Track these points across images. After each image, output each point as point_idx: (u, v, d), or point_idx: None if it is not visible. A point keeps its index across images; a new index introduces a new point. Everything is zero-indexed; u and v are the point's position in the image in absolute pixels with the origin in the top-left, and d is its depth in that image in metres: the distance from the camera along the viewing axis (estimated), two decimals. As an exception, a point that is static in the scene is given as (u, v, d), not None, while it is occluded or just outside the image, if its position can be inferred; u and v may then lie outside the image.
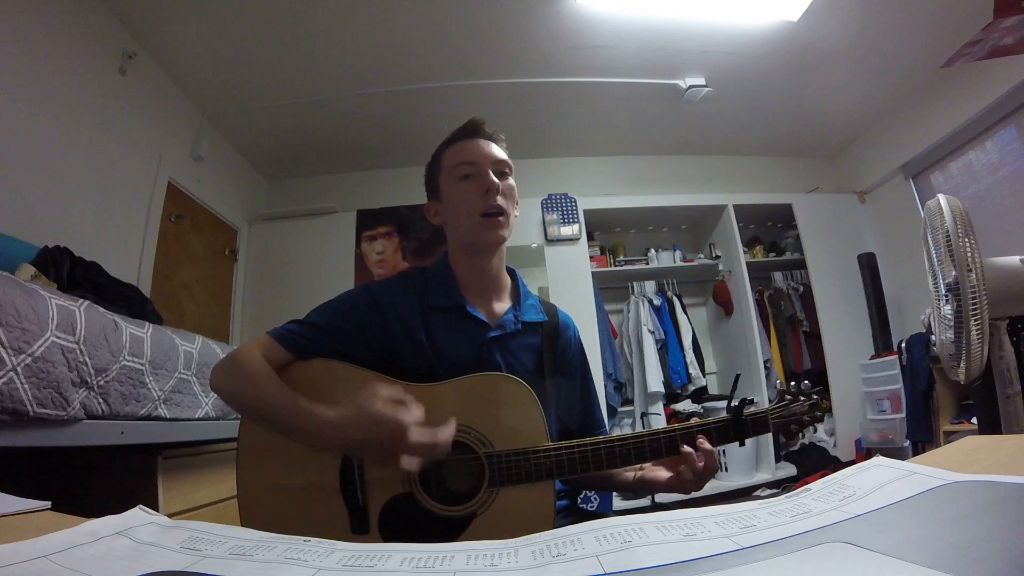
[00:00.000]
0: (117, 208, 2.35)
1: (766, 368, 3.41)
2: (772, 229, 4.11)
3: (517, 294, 0.94)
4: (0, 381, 0.88)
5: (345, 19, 2.51)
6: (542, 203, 3.52)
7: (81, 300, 1.12)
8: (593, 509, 1.06)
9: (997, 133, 3.02)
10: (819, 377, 3.49)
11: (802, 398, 0.82)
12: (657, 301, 3.57)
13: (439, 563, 0.31)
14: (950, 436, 2.66)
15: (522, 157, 3.77)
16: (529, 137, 3.67)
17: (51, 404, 0.97)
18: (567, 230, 3.48)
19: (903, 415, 2.98)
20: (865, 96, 3.42)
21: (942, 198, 1.21)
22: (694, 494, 0.77)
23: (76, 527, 0.34)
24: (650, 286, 3.68)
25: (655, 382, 3.30)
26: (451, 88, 3.02)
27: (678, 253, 3.78)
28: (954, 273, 1.15)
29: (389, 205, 3.53)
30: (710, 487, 3.36)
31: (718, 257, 3.74)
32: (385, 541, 0.72)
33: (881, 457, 0.42)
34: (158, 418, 1.27)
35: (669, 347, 3.45)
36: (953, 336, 1.19)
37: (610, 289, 3.76)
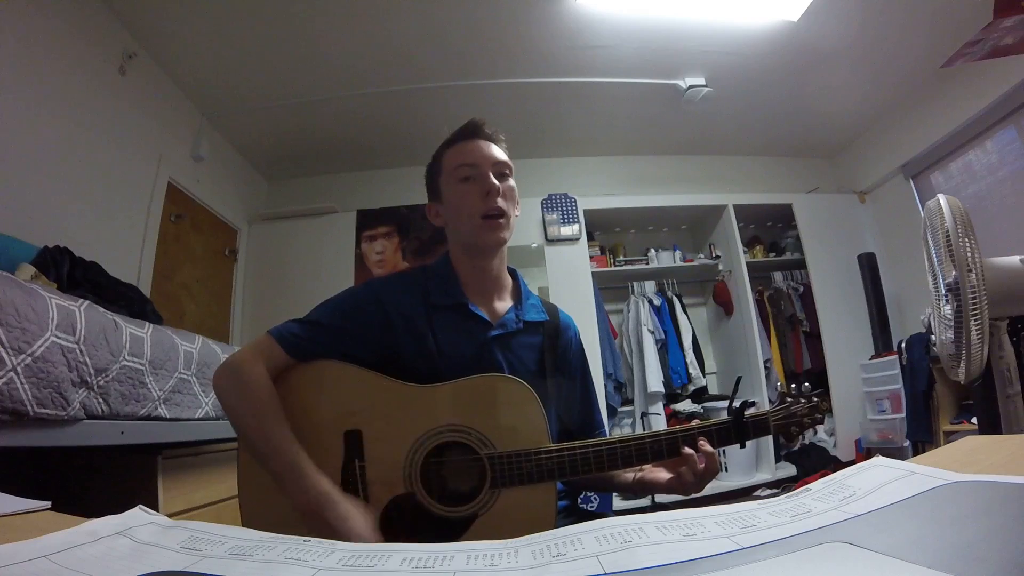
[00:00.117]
0: (117, 208, 2.35)
1: (766, 368, 3.41)
2: (772, 229, 4.11)
3: (518, 294, 0.94)
4: (0, 381, 0.88)
5: (345, 19, 2.51)
6: (542, 203, 3.52)
7: (81, 300, 1.12)
8: (593, 509, 1.06)
9: (997, 133, 3.02)
10: (819, 377, 3.49)
11: (802, 400, 0.82)
12: (657, 301, 3.57)
13: (439, 563, 0.31)
14: (950, 436, 2.66)
15: (522, 157, 3.78)
16: (529, 137, 3.67)
17: (51, 404, 0.97)
18: (567, 230, 3.48)
19: (903, 415, 2.98)
20: (865, 96, 3.42)
21: (942, 198, 1.21)
22: (694, 495, 0.77)
23: (76, 527, 0.34)
24: (650, 286, 3.68)
25: (655, 382, 3.30)
26: (451, 88, 3.02)
27: (678, 253, 3.78)
28: (954, 273, 1.15)
29: (389, 205, 3.54)
30: (710, 487, 3.36)
31: (718, 257, 3.74)
32: (386, 541, 0.72)
33: (881, 457, 0.42)
34: (158, 418, 1.27)
35: (669, 347, 3.45)
36: (953, 336, 1.19)
37: (610, 289, 3.76)
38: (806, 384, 0.85)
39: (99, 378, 1.09)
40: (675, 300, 3.64)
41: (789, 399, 0.82)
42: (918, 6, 2.58)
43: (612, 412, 3.34)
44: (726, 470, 3.23)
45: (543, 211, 3.50)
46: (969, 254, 1.13)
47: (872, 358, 3.35)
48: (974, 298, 1.12)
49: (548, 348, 0.91)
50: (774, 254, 3.91)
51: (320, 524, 0.68)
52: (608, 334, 3.46)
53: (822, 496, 0.36)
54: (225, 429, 1.47)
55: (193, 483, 1.39)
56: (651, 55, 2.92)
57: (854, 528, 0.30)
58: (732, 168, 4.13)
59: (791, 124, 3.76)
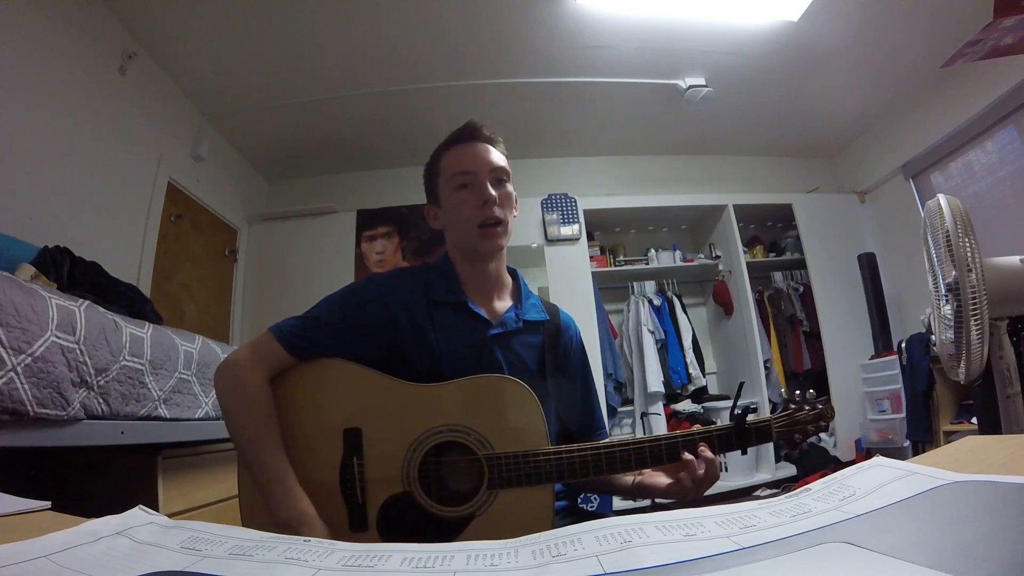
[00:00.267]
0: (117, 208, 2.35)
1: (766, 368, 3.41)
2: (772, 229, 4.11)
3: (518, 294, 0.94)
4: (0, 381, 0.88)
5: (345, 19, 2.51)
6: (542, 203, 3.52)
7: (81, 300, 1.12)
8: (593, 509, 1.07)
9: (997, 133, 3.02)
10: (819, 377, 3.49)
11: (807, 407, 0.81)
12: (657, 301, 3.57)
13: (439, 563, 0.31)
14: (950, 436, 2.66)
15: (522, 157, 3.79)
16: (529, 137, 3.67)
17: (51, 404, 0.97)
18: (567, 230, 3.48)
19: (903, 415, 2.98)
20: (865, 96, 3.42)
21: (942, 198, 1.21)
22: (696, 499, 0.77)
23: (76, 527, 0.34)
24: (650, 286, 3.68)
25: (655, 382, 3.30)
26: (451, 88, 3.02)
27: (678, 253, 3.78)
28: (954, 273, 1.15)
29: (389, 205, 3.54)
30: (711, 486, 3.37)
31: (718, 257, 3.74)
32: (383, 539, 0.72)
33: (881, 457, 0.42)
34: (158, 418, 1.27)
35: (669, 347, 3.45)
36: (953, 336, 1.19)
37: (610, 289, 3.76)
38: (811, 391, 0.83)
39: (99, 378, 1.09)
40: (675, 300, 3.64)
41: (793, 405, 0.81)
42: (918, 6, 2.58)
43: (612, 412, 3.34)
44: (726, 470, 3.22)
45: (543, 211, 3.50)
46: (969, 254, 1.13)
47: (872, 358, 3.35)
48: (974, 298, 1.12)
49: (548, 348, 0.91)
50: (774, 254, 3.91)
51: (280, 524, 0.70)
52: (608, 334, 3.46)
53: (822, 496, 0.36)
54: (225, 429, 1.47)
55: (193, 483, 1.39)
56: (651, 55, 2.92)
57: (854, 528, 0.30)
58: (732, 168, 4.13)
59: (791, 124, 3.76)
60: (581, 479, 0.73)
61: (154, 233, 2.59)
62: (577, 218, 3.51)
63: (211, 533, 0.35)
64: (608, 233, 3.98)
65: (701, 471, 0.73)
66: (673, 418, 3.33)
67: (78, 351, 1.04)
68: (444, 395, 0.76)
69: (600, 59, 2.92)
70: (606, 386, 3.27)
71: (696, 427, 0.80)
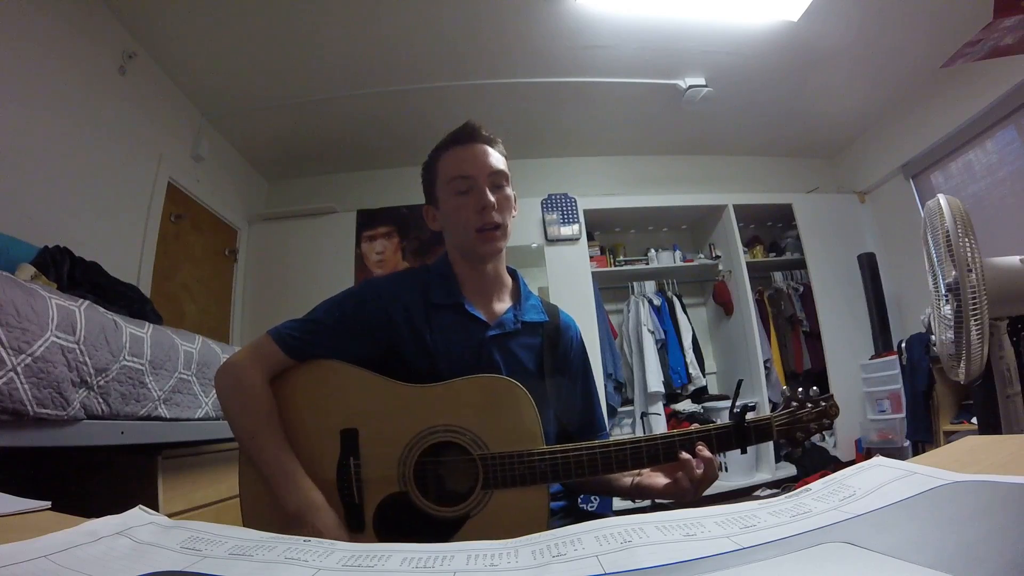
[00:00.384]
0: (117, 208, 2.35)
1: (766, 368, 3.41)
2: (772, 229, 4.11)
3: (518, 294, 0.94)
4: (0, 381, 0.88)
5: (345, 19, 2.51)
6: (542, 203, 3.52)
7: (81, 300, 1.12)
8: (593, 509, 1.06)
9: (997, 133, 3.02)
10: (819, 377, 3.49)
11: (809, 404, 0.79)
12: (657, 301, 3.57)
13: (439, 563, 0.31)
14: (950, 436, 2.66)
15: (522, 157, 3.79)
16: (529, 137, 3.67)
17: (51, 404, 0.97)
18: (567, 230, 3.48)
19: (903, 415, 2.98)
20: (865, 96, 3.42)
21: (942, 198, 1.21)
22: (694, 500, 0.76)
23: (76, 527, 0.34)
24: (650, 286, 3.68)
25: (655, 382, 3.30)
26: (451, 88, 3.02)
27: (678, 253, 3.78)
28: (954, 273, 1.15)
29: (389, 205, 3.54)
30: (710, 487, 3.37)
31: (718, 257, 3.74)
32: (379, 539, 0.73)
33: (881, 457, 0.42)
34: (158, 418, 1.27)
35: (669, 347, 3.45)
36: (953, 336, 1.19)
37: (610, 289, 3.76)
38: (814, 388, 0.82)
39: (99, 378, 1.09)
40: (675, 300, 3.64)
41: (794, 403, 0.79)
42: (918, 6, 2.58)
43: (612, 412, 3.34)
44: (726, 470, 3.22)
45: (543, 211, 3.50)
46: (969, 254, 1.13)
47: (872, 358, 3.35)
48: (974, 298, 1.12)
49: (547, 349, 0.91)
50: (774, 254, 3.91)
51: (306, 531, 0.70)
52: (608, 334, 3.46)
53: (822, 496, 0.36)
54: (225, 429, 1.46)
55: (193, 483, 1.39)
56: (651, 55, 2.92)
57: (854, 528, 0.30)
58: (732, 168, 4.13)
59: (791, 124, 3.76)
60: (576, 479, 0.73)
61: (154, 233, 2.59)
62: (577, 218, 3.51)
63: (211, 533, 0.35)
64: (608, 233, 3.98)
65: (699, 471, 0.72)
66: (673, 418, 3.33)
67: (78, 351, 1.04)
68: (439, 395, 0.76)
69: (600, 59, 2.92)
70: (606, 386, 3.27)
71: (694, 426, 0.79)
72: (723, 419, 0.81)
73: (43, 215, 1.92)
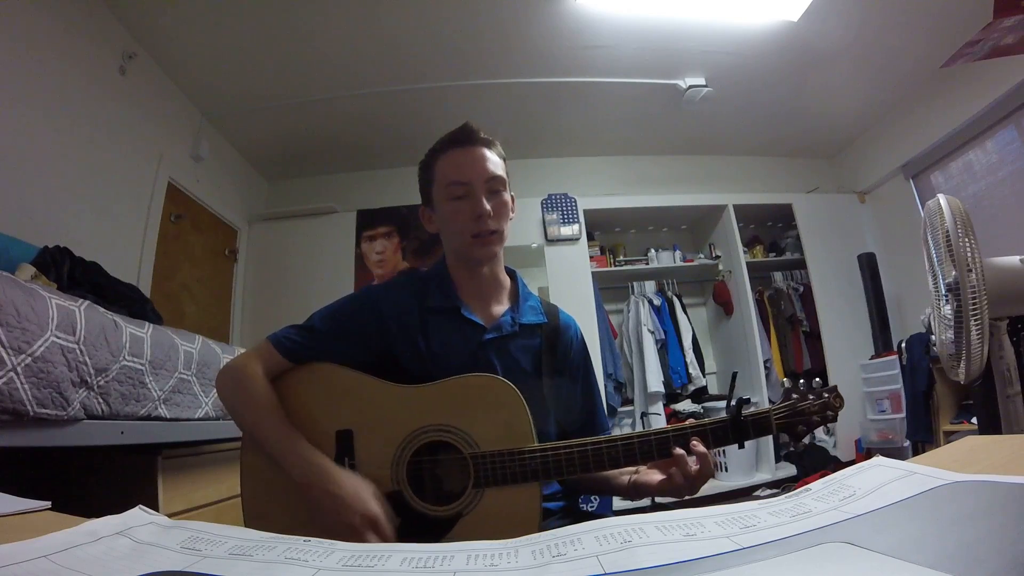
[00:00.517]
0: (117, 208, 2.35)
1: (766, 368, 3.41)
2: (772, 229, 4.11)
3: (516, 296, 0.94)
4: (0, 381, 0.88)
5: (345, 19, 2.51)
6: (542, 203, 3.52)
7: (81, 300, 1.12)
8: (592, 510, 1.06)
9: (997, 133, 3.02)
10: (819, 377, 3.49)
11: (811, 396, 0.76)
12: (657, 301, 3.57)
13: (439, 563, 0.31)
14: (950, 436, 2.66)
15: (522, 157, 3.79)
16: (529, 137, 3.67)
17: (51, 404, 0.97)
18: (567, 230, 3.48)
19: (903, 415, 2.98)
20: (865, 96, 3.42)
21: (942, 198, 1.21)
22: (689, 497, 0.75)
23: (76, 527, 0.34)
24: (650, 286, 3.68)
25: (655, 382, 3.30)
26: (451, 88, 3.02)
27: (678, 253, 3.78)
28: (954, 273, 1.15)
29: (389, 205, 3.54)
30: (710, 487, 3.35)
31: (718, 257, 3.74)
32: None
33: (881, 457, 0.42)
34: (158, 418, 1.27)
35: (669, 347, 3.45)
36: (953, 336, 1.19)
37: (610, 289, 3.76)
38: (817, 380, 0.78)
39: (99, 378, 1.09)
40: (675, 300, 3.64)
41: (795, 396, 0.77)
42: (918, 6, 2.58)
43: (612, 412, 3.34)
44: (726, 470, 3.23)
45: (543, 211, 3.50)
46: (969, 254, 1.13)
47: (872, 358, 3.35)
48: (974, 298, 1.12)
49: (546, 350, 0.90)
50: (774, 254, 3.91)
51: (321, 496, 0.70)
52: (608, 334, 3.47)
53: (822, 496, 0.36)
54: (225, 429, 1.48)
55: (193, 483, 1.39)
56: (651, 55, 2.92)
57: (854, 528, 0.30)
58: (732, 168, 4.13)
59: (791, 124, 3.76)
60: (568, 476, 0.72)
61: (154, 233, 2.59)
62: (577, 218, 3.51)
63: (211, 533, 0.35)
64: (608, 233, 3.98)
65: (695, 467, 0.71)
66: (673, 418, 3.33)
67: (78, 351, 1.04)
68: (431, 395, 0.77)
69: (600, 59, 2.92)
70: (606, 386, 3.27)
71: (689, 421, 0.78)
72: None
73: (43, 215, 1.92)
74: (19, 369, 0.91)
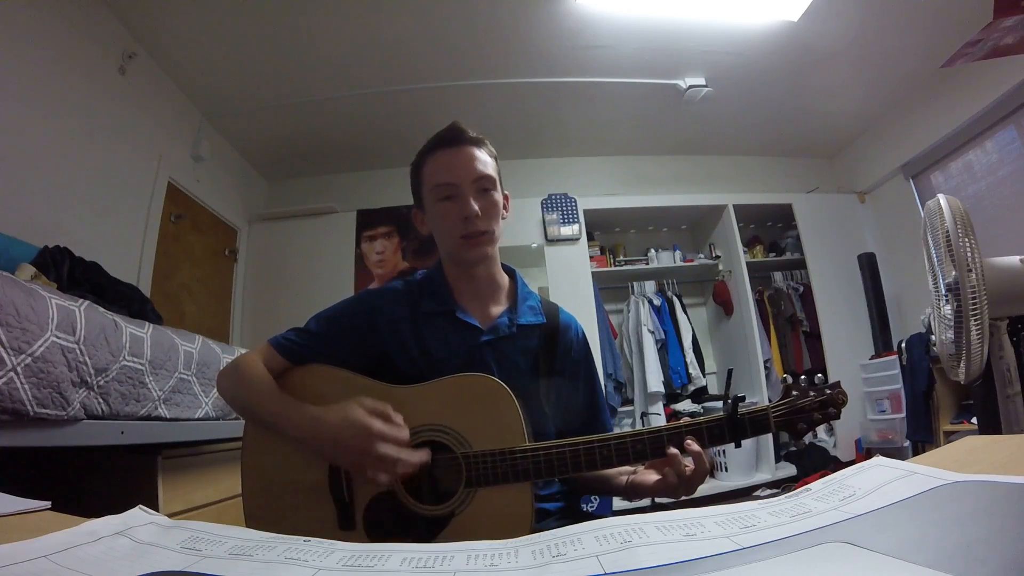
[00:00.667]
0: (117, 208, 2.35)
1: (766, 368, 3.41)
2: (772, 229, 4.11)
3: (515, 295, 0.93)
4: (0, 381, 0.88)
5: (345, 19, 2.51)
6: (542, 203, 3.52)
7: (81, 300, 1.12)
8: (592, 510, 1.06)
9: (997, 133, 3.02)
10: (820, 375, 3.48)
11: (812, 393, 0.73)
12: (657, 301, 3.58)
13: (439, 563, 0.31)
14: (950, 436, 2.66)
15: (522, 157, 3.79)
16: (529, 137, 3.67)
17: (51, 404, 0.97)
18: (567, 230, 3.48)
19: (903, 415, 2.98)
20: (865, 96, 3.42)
21: (942, 198, 1.21)
22: (686, 498, 0.74)
23: (76, 527, 0.34)
24: (650, 286, 3.68)
25: (655, 382, 3.30)
26: (451, 88, 3.02)
27: (678, 253, 3.78)
28: (954, 273, 1.15)
29: (389, 205, 3.53)
30: (710, 487, 3.34)
31: (718, 257, 3.74)
32: (370, 538, 0.74)
33: (881, 457, 0.42)
34: (158, 418, 1.27)
35: (669, 347, 3.45)
36: (953, 336, 1.19)
37: (610, 289, 3.76)
38: (819, 375, 0.76)
39: (99, 378, 1.09)
40: (675, 300, 3.64)
41: (795, 392, 0.74)
42: (918, 6, 2.58)
43: (612, 412, 3.34)
44: (726, 470, 3.23)
45: (543, 211, 3.50)
46: (969, 254, 1.13)
47: (872, 358, 3.35)
48: (974, 298, 1.12)
49: (545, 351, 0.90)
50: (774, 254, 3.91)
51: (322, 445, 0.73)
52: (608, 334, 3.47)
53: (822, 496, 0.36)
54: (225, 429, 1.48)
55: (193, 483, 1.39)
56: (651, 55, 2.92)
57: (854, 528, 0.30)
58: (732, 168, 4.13)
59: (791, 124, 3.76)
60: (559, 476, 0.72)
61: (154, 233, 2.59)
62: (577, 218, 3.51)
63: (211, 533, 0.35)
64: (608, 233, 3.98)
65: (690, 466, 0.70)
66: (673, 418, 3.33)
67: (78, 351, 1.04)
68: (423, 395, 0.77)
69: (600, 59, 2.92)
70: (606, 386, 3.27)
71: (684, 420, 0.77)
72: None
73: (43, 215, 1.92)
74: (19, 369, 0.91)
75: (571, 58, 2.90)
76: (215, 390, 1.43)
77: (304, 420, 0.74)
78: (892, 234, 3.70)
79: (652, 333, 3.44)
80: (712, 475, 3.30)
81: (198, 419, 1.41)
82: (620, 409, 3.42)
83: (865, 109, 3.58)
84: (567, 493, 0.92)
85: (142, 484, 1.25)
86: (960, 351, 1.18)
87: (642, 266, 3.73)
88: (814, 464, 3.23)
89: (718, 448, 3.08)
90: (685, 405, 3.39)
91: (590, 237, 3.63)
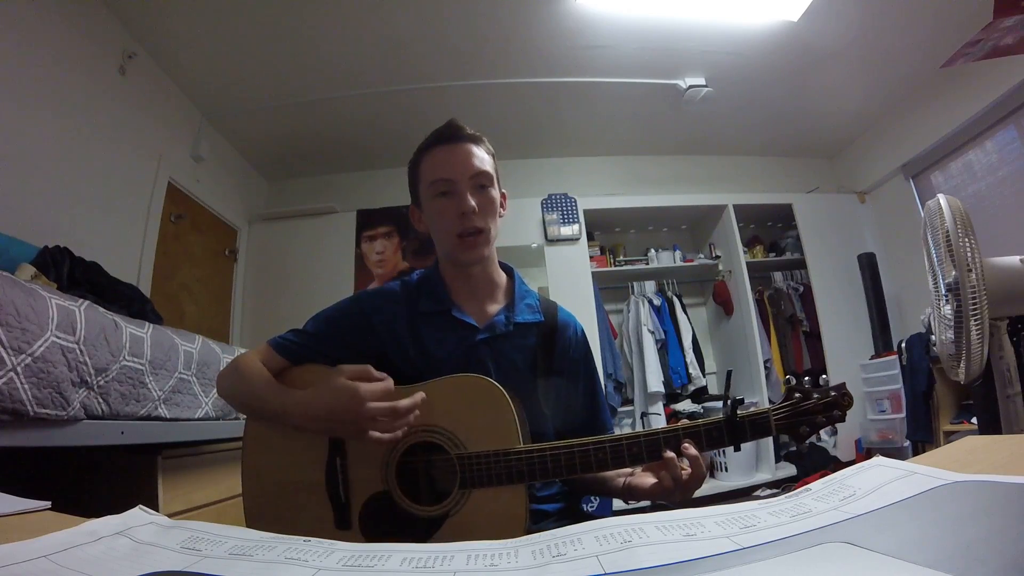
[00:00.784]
0: (117, 208, 2.35)
1: (766, 368, 3.41)
2: (772, 229, 4.11)
3: (512, 294, 0.92)
4: (0, 381, 0.88)
5: (345, 19, 2.51)
6: (542, 203, 3.52)
7: (81, 300, 1.12)
8: (592, 511, 1.06)
9: (997, 133, 3.02)
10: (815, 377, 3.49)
11: (816, 395, 0.72)
12: (657, 301, 3.57)
13: (439, 563, 0.31)
14: (950, 436, 2.66)
15: (522, 157, 3.79)
16: (529, 137, 3.67)
17: (51, 404, 0.97)
18: (567, 230, 3.48)
19: (903, 415, 2.98)
20: (865, 96, 3.42)
21: (942, 198, 1.21)
22: (680, 502, 0.73)
23: (76, 527, 0.34)
24: (650, 286, 3.68)
25: (655, 382, 3.30)
26: (451, 88, 3.02)
27: (678, 253, 3.78)
28: (954, 273, 1.15)
29: (389, 205, 3.53)
30: (710, 487, 3.34)
31: (718, 257, 3.74)
32: (366, 538, 0.74)
33: (881, 457, 0.42)
34: (158, 418, 1.27)
35: (669, 347, 3.45)
36: (953, 336, 1.19)
37: (610, 289, 3.76)
38: (824, 376, 0.73)
39: (99, 378, 1.09)
40: (675, 300, 3.64)
41: (798, 395, 0.72)
42: (918, 6, 2.58)
43: (612, 412, 3.34)
44: (726, 470, 3.23)
45: (543, 211, 3.50)
46: (969, 254, 1.13)
47: (872, 358, 3.35)
48: (974, 298, 1.12)
49: (543, 349, 0.89)
50: (774, 254, 3.91)
51: (318, 428, 0.75)
52: (608, 334, 3.47)
53: (822, 496, 0.36)
54: (225, 429, 1.48)
55: (193, 483, 1.39)
56: (651, 55, 2.92)
57: (854, 528, 0.30)
58: (732, 168, 4.13)
59: (791, 124, 3.76)
60: (553, 478, 0.71)
61: (154, 233, 2.60)
62: (577, 218, 3.51)
63: (211, 533, 0.35)
64: (608, 233, 3.98)
65: (687, 470, 0.69)
66: (673, 418, 3.33)
67: (78, 351, 1.04)
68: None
69: (600, 59, 2.92)
70: (606, 386, 3.27)
71: (682, 422, 0.76)
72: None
73: (43, 215, 1.92)
74: (19, 369, 0.91)
75: (571, 58, 2.90)
76: (215, 390, 1.43)
77: (299, 405, 0.75)
78: (892, 234, 3.70)
79: (652, 333, 3.44)
80: (712, 475, 3.30)
81: (198, 419, 1.41)
82: (620, 409, 3.42)
83: (865, 109, 3.58)
84: (567, 494, 0.91)
85: (142, 484, 1.25)
86: (960, 351, 1.18)
87: (642, 266, 3.73)
88: (814, 464, 3.23)
89: (713, 450, 3.08)
90: (685, 405, 3.39)
91: (590, 237, 3.63)
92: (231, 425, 1.48)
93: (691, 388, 3.47)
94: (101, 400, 1.10)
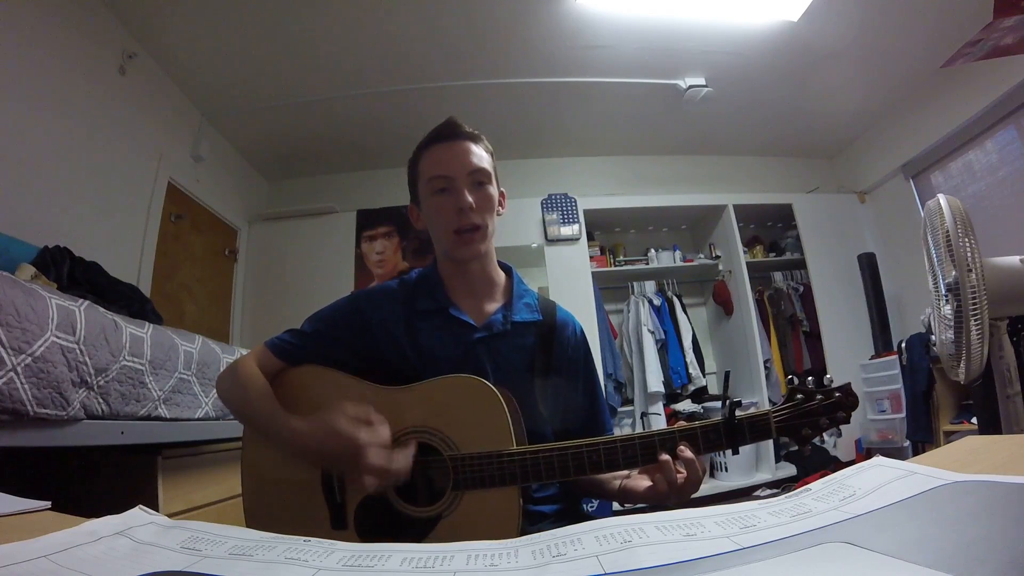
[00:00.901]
0: (117, 208, 2.35)
1: (766, 368, 3.41)
2: (772, 229, 4.11)
3: (511, 293, 0.92)
4: (0, 381, 0.88)
5: (344, 19, 2.51)
6: (542, 203, 3.52)
7: (81, 300, 1.12)
8: (592, 511, 1.06)
9: (997, 133, 3.02)
10: (819, 377, 3.48)
11: (819, 396, 0.69)
12: (657, 301, 3.57)
13: (439, 563, 0.31)
14: (950, 436, 2.66)
15: (522, 157, 3.79)
16: (529, 137, 3.67)
17: (51, 404, 0.97)
18: (567, 230, 3.48)
19: (903, 415, 2.98)
20: (865, 96, 3.42)
21: (942, 198, 1.21)
22: (679, 503, 0.74)
23: (76, 527, 0.34)
24: (650, 286, 3.68)
25: (655, 382, 3.30)
26: (451, 88, 3.02)
27: (678, 253, 3.78)
28: (954, 273, 1.15)
29: (389, 205, 3.53)
30: (710, 487, 3.33)
31: (718, 257, 3.74)
32: (361, 538, 0.73)
33: (881, 457, 0.42)
34: (158, 418, 1.27)
35: (669, 347, 3.45)
36: (953, 336, 1.19)
37: (610, 289, 3.76)
38: (828, 376, 0.71)
39: (99, 378, 1.09)
40: (675, 300, 3.64)
41: (800, 396, 0.70)
42: (918, 6, 2.58)
43: (612, 412, 3.34)
44: (726, 470, 3.23)
45: (543, 211, 3.50)
46: (969, 254, 1.13)
47: (872, 358, 3.35)
48: (974, 298, 1.12)
49: (541, 349, 0.89)
50: (774, 254, 3.91)
51: (315, 460, 0.75)
52: (608, 334, 3.47)
53: (822, 496, 0.36)
54: (225, 429, 1.48)
55: (193, 483, 1.39)
56: (651, 55, 2.92)
57: (854, 528, 0.30)
58: (732, 168, 4.13)
59: (791, 124, 3.76)
60: (546, 480, 0.70)
61: (154, 233, 2.60)
62: (577, 218, 3.51)
63: (211, 533, 0.35)
64: (608, 233, 3.98)
65: (682, 473, 0.67)
66: (673, 418, 3.33)
67: (78, 351, 1.04)
68: (412, 397, 0.77)
69: (600, 59, 2.92)
70: (606, 386, 3.27)
71: (679, 423, 0.76)
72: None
73: (43, 215, 1.92)
74: (19, 369, 0.91)
75: (571, 58, 2.90)
76: (215, 391, 1.43)
77: (294, 435, 0.74)
78: (892, 234, 3.70)
79: (652, 333, 3.43)
80: (712, 475, 3.30)
81: (198, 419, 1.41)
82: (620, 409, 3.42)
83: (865, 109, 3.58)
84: (565, 495, 0.91)
85: (142, 484, 1.25)
86: (960, 351, 1.18)
87: (642, 266, 3.73)
88: (814, 464, 3.23)
89: (710, 453, 3.08)
90: (685, 405, 3.39)
91: (590, 237, 3.63)
92: (231, 425, 1.48)
93: (691, 388, 3.47)
94: (101, 400, 1.10)
